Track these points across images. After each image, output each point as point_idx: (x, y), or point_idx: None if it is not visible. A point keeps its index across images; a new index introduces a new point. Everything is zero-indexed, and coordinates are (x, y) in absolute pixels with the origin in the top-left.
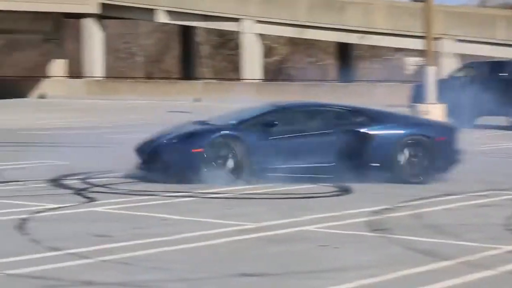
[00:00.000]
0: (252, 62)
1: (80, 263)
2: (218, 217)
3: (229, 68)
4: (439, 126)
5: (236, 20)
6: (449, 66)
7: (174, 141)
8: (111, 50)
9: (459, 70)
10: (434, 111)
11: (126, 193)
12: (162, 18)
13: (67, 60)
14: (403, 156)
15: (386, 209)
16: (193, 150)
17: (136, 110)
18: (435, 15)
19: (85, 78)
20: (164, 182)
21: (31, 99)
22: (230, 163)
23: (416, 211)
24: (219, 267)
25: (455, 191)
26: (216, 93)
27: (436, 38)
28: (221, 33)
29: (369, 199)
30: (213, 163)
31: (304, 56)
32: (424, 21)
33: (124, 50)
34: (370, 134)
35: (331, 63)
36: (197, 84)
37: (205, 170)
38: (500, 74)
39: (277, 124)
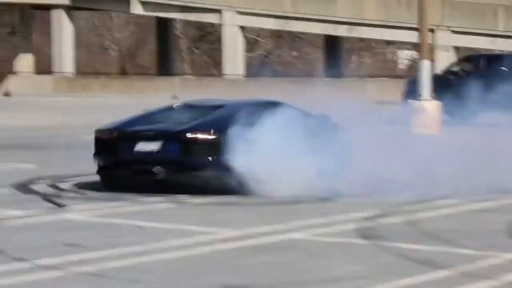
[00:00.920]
0: (233, 56)
1: (49, 275)
2: (199, 224)
3: (209, 64)
4: None
5: (216, 11)
6: (445, 59)
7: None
8: (82, 44)
9: (456, 64)
10: (429, 108)
11: (99, 199)
12: (137, 9)
13: (34, 55)
14: None
15: (378, 215)
16: None
17: (108, 109)
18: (430, 5)
19: (53, 75)
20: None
21: None
22: None
23: (410, 217)
24: (199, 278)
25: (453, 195)
26: (195, 90)
27: (430, 30)
28: (200, 26)
29: (360, 204)
30: None
31: (289, 50)
32: (418, 11)
33: (96, 44)
34: None
35: (318, 57)
36: (175, 80)
37: None
38: (499, 68)
39: None
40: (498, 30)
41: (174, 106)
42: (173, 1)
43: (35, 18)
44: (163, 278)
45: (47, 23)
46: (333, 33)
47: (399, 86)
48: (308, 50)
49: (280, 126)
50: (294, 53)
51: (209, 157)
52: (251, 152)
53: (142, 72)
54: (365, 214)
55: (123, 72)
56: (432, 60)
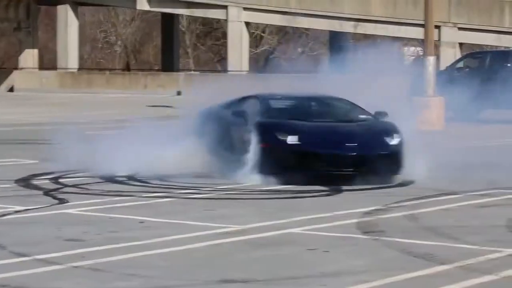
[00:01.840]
0: (238, 52)
1: (49, 270)
2: (199, 219)
3: (214, 59)
4: None
5: (222, 7)
6: (450, 56)
7: None
8: (87, 40)
9: (461, 60)
10: (433, 104)
11: (100, 194)
12: (143, 5)
13: (39, 51)
14: None
15: (379, 209)
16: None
17: (112, 105)
18: (436, 1)
19: (58, 70)
20: (145, 182)
21: None
22: None
23: (411, 212)
24: (198, 273)
25: (453, 190)
26: (200, 86)
27: (436, 26)
28: (205, 22)
29: (360, 199)
30: None
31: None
32: (424, 8)
33: (101, 39)
34: None
35: (324, 53)
36: (179, 76)
37: None
38: (504, 65)
39: None
40: (504, 27)
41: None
42: None
43: (41, 13)
44: (163, 273)
45: (52, 19)
46: (339, 29)
47: (404, 82)
48: (314, 46)
49: None
50: (300, 49)
51: None
52: None
53: (146, 68)
54: (366, 209)
55: (128, 68)
56: (436, 56)
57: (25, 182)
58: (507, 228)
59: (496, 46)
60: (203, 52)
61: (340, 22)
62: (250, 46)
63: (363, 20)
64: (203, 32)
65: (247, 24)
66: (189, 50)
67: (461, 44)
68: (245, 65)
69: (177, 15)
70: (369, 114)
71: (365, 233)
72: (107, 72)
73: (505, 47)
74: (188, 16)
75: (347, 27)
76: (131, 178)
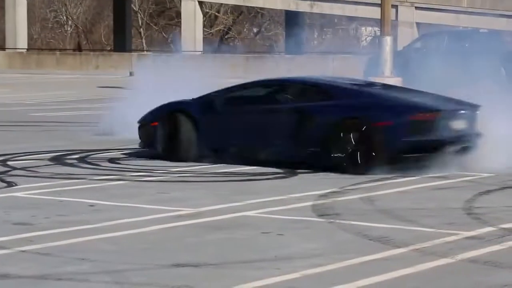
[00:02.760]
0: (192, 32)
1: None
2: (151, 202)
3: (167, 40)
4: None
5: None
6: (408, 36)
7: None
8: (37, 19)
9: (417, 40)
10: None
11: (50, 177)
12: None
13: None
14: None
15: (335, 192)
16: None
17: (63, 86)
18: None
19: (6, 50)
20: (96, 165)
21: None
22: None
23: (367, 194)
24: (149, 257)
25: (410, 172)
26: (152, 66)
27: (394, 6)
28: (158, 1)
29: (316, 181)
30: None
31: (250, 26)
32: None
33: (51, 19)
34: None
35: (279, 33)
36: (132, 56)
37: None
38: (461, 45)
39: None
40: (462, 7)
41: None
42: None
43: None
44: (112, 257)
45: None
46: (294, 9)
47: (361, 63)
48: (269, 26)
49: None
50: (255, 30)
51: None
52: None
53: (98, 49)
54: (321, 191)
55: (79, 49)
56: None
57: None
58: (464, 211)
59: (454, 26)
60: (156, 32)
61: (296, 2)
62: (204, 26)
63: (321, 0)
64: (156, 12)
65: (201, 3)
66: (142, 30)
67: (422, 24)
68: (199, 45)
69: None
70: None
71: (320, 216)
72: (57, 52)
73: (463, 27)
74: None
75: (304, 6)
76: (82, 160)
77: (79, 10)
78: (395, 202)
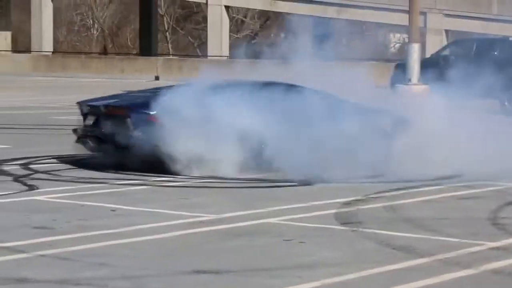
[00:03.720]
0: (218, 37)
1: (15, 258)
2: (173, 207)
3: (193, 44)
4: None
5: None
6: (437, 43)
7: None
8: (63, 22)
9: (446, 48)
10: (417, 92)
11: (71, 181)
12: None
13: (13, 33)
14: None
15: (358, 200)
16: None
17: (87, 89)
18: None
19: (32, 53)
20: (115, 169)
21: None
22: None
23: (391, 203)
24: (170, 263)
25: (435, 182)
26: (178, 71)
27: (422, 13)
28: (184, 5)
29: (340, 189)
30: None
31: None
32: None
33: (78, 22)
34: None
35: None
36: (157, 61)
37: None
38: (490, 53)
39: None
40: (492, 14)
41: None
42: None
43: None
44: (132, 263)
45: (26, 1)
46: (322, 14)
47: (389, 70)
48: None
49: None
50: (282, 35)
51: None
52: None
53: (123, 52)
54: (344, 200)
55: (105, 52)
56: (421, 43)
57: None
58: (489, 221)
59: (484, 34)
60: (182, 36)
61: (323, 7)
62: (231, 31)
63: (349, 6)
64: (182, 16)
65: (227, 8)
66: (168, 34)
67: (451, 32)
68: (225, 50)
69: None
70: None
71: (343, 224)
72: (83, 55)
73: (493, 34)
74: None
75: (331, 12)
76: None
77: (105, 13)
78: (419, 211)
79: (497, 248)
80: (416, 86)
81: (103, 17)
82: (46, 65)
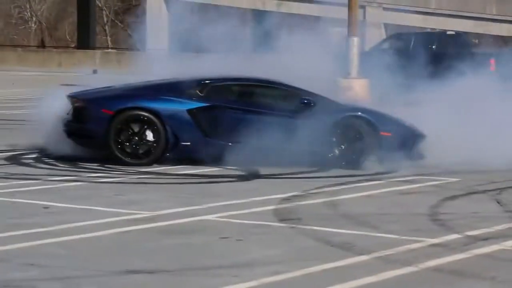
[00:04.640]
0: (157, 30)
1: None
2: (108, 205)
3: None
4: None
5: None
6: (376, 37)
7: None
8: (1, 15)
9: (384, 41)
10: (357, 87)
11: (3, 177)
12: None
13: None
14: None
15: (297, 196)
16: None
17: (23, 83)
18: None
19: None
20: (53, 165)
21: None
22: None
23: (331, 199)
24: (103, 262)
25: (377, 176)
26: (116, 64)
27: (361, 6)
28: None
29: (280, 184)
30: None
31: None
32: None
33: (15, 15)
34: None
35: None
36: (95, 54)
37: None
38: (428, 47)
39: None
40: (430, 8)
41: None
42: None
43: None
44: (64, 262)
45: None
46: (261, 7)
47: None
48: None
49: None
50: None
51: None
52: None
53: (62, 46)
54: (284, 195)
55: (43, 45)
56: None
57: None
58: (429, 217)
59: (423, 28)
60: (122, 29)
61: (262, 1)
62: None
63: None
64: (122, 9)
65: (167, 1)
66: (107, 28)
67: (390, 26)
68: (164, 43)
69: None
70: None
71: (281, 220)
72: (19, 48)
73: (431, 28)
74: None
75: (271, 5)
76: (39, 160)
77: (43, 6)
78: (359, 207)
79: (437, 245)
80: (356, 79)
81: (41, 10)
82: None
